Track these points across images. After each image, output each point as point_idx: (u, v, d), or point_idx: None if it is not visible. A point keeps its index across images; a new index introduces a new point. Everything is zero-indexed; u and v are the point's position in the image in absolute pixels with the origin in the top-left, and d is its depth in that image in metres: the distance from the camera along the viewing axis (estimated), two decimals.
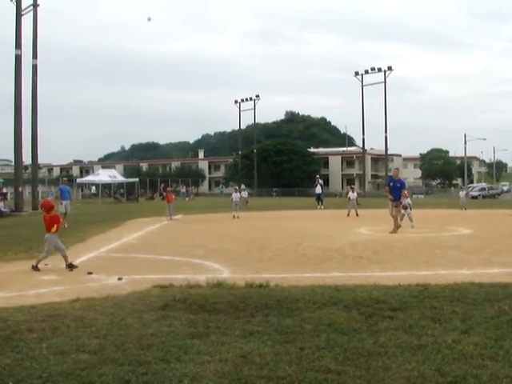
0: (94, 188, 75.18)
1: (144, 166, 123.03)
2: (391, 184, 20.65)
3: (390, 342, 5.80)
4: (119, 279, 10.14)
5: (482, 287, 8.75)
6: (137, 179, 71.80)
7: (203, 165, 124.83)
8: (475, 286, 8.88)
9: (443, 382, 4.69)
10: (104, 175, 67.24)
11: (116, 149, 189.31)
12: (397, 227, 19.83)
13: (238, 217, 30.60)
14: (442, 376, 4.81)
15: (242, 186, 51.95)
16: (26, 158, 41.56)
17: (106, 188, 74.60)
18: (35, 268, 11.45)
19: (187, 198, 71.24)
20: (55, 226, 12.05)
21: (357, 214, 30.79)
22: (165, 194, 32.62)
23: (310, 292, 8.38)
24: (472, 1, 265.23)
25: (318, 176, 50.00)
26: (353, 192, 32.67)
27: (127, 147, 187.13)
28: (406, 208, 21.20)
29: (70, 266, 11.66)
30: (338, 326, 6.39)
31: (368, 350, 5.55)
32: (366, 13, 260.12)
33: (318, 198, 42.74)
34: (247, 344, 5.76)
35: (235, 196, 33.08)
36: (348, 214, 30.70)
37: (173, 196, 32.23)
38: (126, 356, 5.40)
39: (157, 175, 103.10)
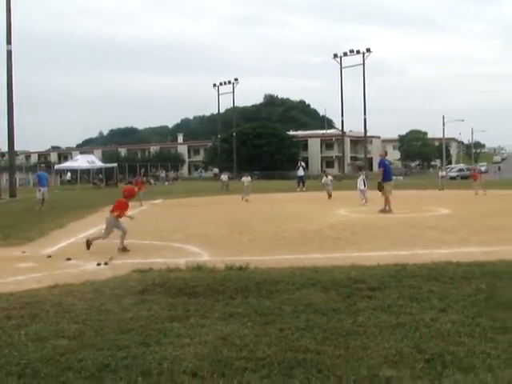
0: (69, 174, 74.39)
1: (123, 151, 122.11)
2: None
3: (368, 321, 5.85)
4: (98, 265, 10.11)
5: (460, 266, 8.84)
6: (115, 164, 71.28)
7: (182, 149, 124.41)
8: (453, 264, 8.96)
9: (421, 359, 4.74)
10: (82, 161, 66.76)
11: (94, 134, 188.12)
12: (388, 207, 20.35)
13: (246, 199, 30.21)
14: (419, 353, 4.86)
15: (215, 170, 51.95)
16: (3, 145, 41.11)
17: (84, 174, 74.06)
18: (121, 252, 11.72)
19: (167, 183, 71.32)
20: (118, 211, 12.36)
21: (329, 196, 29.95)
22: (141, 180, 31.72)
23: (289, 274, 8.40)
24: None
25: (300, 159, 50.32)
26: (326, 177, 32.07)
27: (105, 132, 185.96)
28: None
29: (123, 250, 11.88)
30: (316, 307, 6.43)
31: (347, 329, 5.59)
32: None
33: (300, 180, 42.96)
34: (227, 326, 5.78)
35: (245, 180, 32.90)
36: (330, 196, 30.28)
37: (145, 184, 31.64)
38: (105, 341, 5.39)
39: (136, 160, 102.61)
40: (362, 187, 25.67)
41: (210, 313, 6.31)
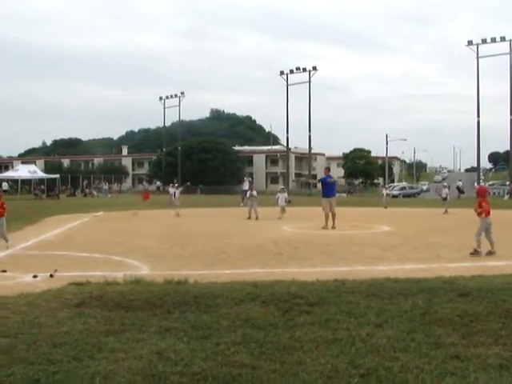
0: (5, 184, 72.42)
1: (66, 162, 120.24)
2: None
3: (305, 336, 5.85)
4: (34, 277, 9.87)
5: (398, 282, 8.95)
6: (58, 175, 70.03)
7: (127, 161, 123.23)
8: (391, 281, 9.07)
9: (355, 374, 4.76)
10: (23, 171, 65.31)
11: (37, 144, 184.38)
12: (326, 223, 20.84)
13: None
14: (354, 368, 4.88)
15: (158, 183, 51.26)
16: None
17: (25, 184, 72.60)
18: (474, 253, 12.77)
19: (109, 195, 70.63)
20: (485, 212, 13.10)
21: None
22: None
23: (229, 288, 8.36)
24: (397, 4, 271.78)
25: (246, 174, 50.77)
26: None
27: (49, 143, 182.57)
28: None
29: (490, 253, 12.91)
30: (254, 322, 6.41)
31: (284, 344, 5.58)
32: (293, 12, 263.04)
33: (245, 194, 43.18)
34: (163, 340, 5.71)
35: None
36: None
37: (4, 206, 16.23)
38: (36, 355, 5.25)
39: (79, 171, 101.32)
40: (282, 203, 27.48)
41: (146, 327, 6.22)
